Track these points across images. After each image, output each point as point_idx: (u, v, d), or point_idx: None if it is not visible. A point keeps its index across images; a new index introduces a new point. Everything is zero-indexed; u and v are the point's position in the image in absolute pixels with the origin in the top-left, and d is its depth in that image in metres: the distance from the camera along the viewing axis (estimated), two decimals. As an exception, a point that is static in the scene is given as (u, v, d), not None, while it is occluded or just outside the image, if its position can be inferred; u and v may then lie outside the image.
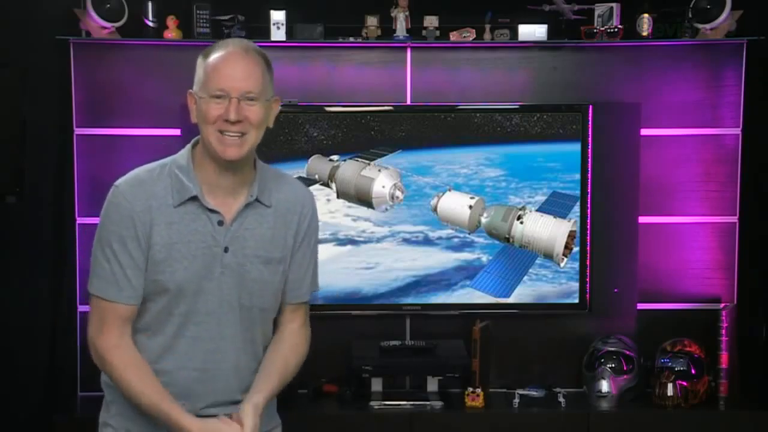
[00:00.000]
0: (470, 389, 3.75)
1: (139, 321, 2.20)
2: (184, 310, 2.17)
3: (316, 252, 2.37)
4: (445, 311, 3.93)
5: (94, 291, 2.18)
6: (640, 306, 3.98)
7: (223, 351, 2.21)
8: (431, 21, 3.86)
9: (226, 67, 2.11)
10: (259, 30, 3.82)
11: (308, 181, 3.79)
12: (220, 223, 2.17)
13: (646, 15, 3.84)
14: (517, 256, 3.85)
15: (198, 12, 3.75)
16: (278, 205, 2.24)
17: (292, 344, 2.32)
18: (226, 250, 2.17)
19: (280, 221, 2.24)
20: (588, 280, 3.88)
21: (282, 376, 2.27)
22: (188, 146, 2.23)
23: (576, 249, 3.85)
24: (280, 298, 2.30)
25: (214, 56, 2.13)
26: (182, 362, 2.18)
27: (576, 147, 3.85)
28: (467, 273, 3.90)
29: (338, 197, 3.83)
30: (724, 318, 3.83)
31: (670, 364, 3.77)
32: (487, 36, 3.87)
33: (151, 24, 3.80)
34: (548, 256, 3.81)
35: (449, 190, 3.84)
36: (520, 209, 3.82)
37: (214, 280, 2.17)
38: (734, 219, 3.99)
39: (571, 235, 3.81)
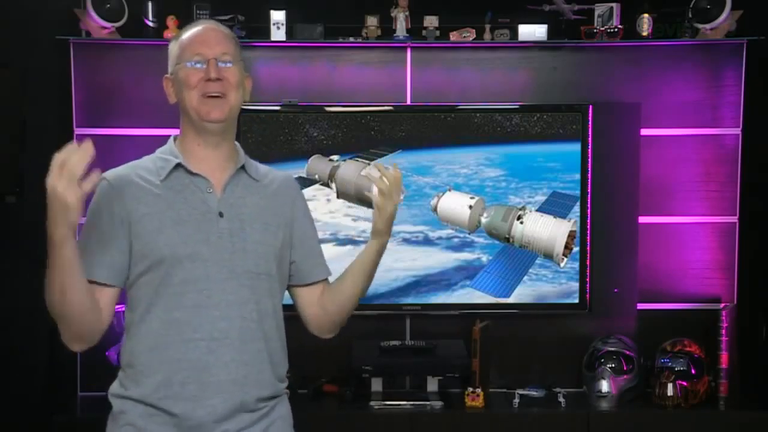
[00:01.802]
0: (470, 389, 3.75)
1: (139, 301, 2.15)
2: (181, 278, 2.12)
3: (317, 236, 2.37)
4: (445, 311, 3.93)
5: None
6: (640, 306, 3.98)
7: (228, 318, 2.14)
8: (431, 21, 3.86)
9: (200, 36, 2.20)
10: (259, 30, 3.82)
11: (308, 181, 3.79)
12: (209, 190, 2.18)
13: (646, 15, 3.85)
14: (517, 256, 3.85)
15: (198, 12, 3.75)
16: (266, 182, 2.27)
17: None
18: (220, 215, 2.16)
19: (271, 194, 2.25)
20: (588, 280, 3.88)
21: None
22: (170, 139, 2.27)
23: (576, 249, 3.85)
24: (285, 268, 2.26)
25: (186, 33, 2.23)
26: (187, 333, 2.11)
27: (576, 147, 3.85)
28: (467, 273, 3.89)
29: (338, 197, 3.83)
30: (724, 318, 3.83)
31: (670, 364, 3.78)
32: (487, 36, 3.88)
33: (151, 24, 3.80)
34: (548, 256, 3.81)
35: (449, 190, 3.84)
36: (520, 209, 3.82)
37: (211, 245, 2.14)
38: (734, 219, 3.99)
39: (571, 235, 3.81)
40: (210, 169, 2.20)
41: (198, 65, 2.17)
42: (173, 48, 2.23)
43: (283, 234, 2.24)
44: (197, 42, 2.19)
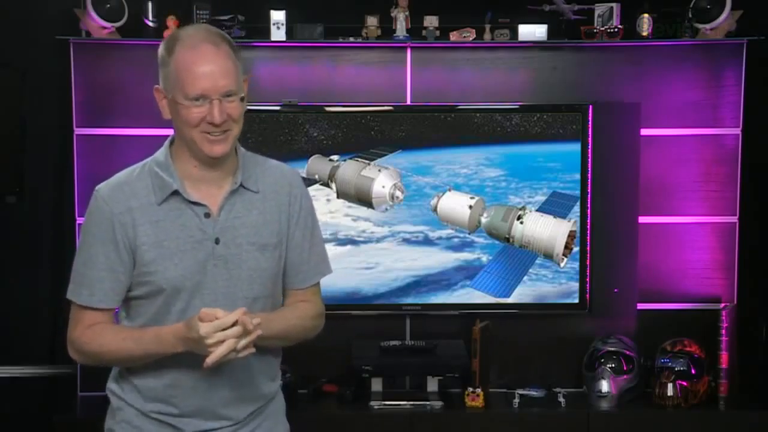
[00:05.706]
0: (470, 389, 3.75)
1: (137, 315, 2.17)
2: (180, 307, 2.13)
3: (318, 234, 2.30)
4: (445, 311, 3.93)
5: (68, 295, 2.17)
6: (640, 306, 3.98)
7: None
8: (431, 21, 3.86)
9: (200, 67, 2.04)
10: (259, 30, 3.82)
11: (308, 181, 3.79)
12: (207, 215, 2.13)
13: (646, 15, 3.84)
14: (517, 256, 3.85)
15: (198, 12, 3.75)
16: (266, 190, 2.20)
17: (291, 307, 2.27)
18: (217, 241, 2.13)
19: (270, 205, 2.20)
20: (588, 280, 3.89)
21: (280, 315, 2.21)
22: (166, 143, 2.20)
23: (576, 249, 3.85)
24: (281, 285, 2.26)
25: (183, 52, 2.06)
26: (186, 361, 2.12)
27: (576, 147, 3.85)
28: (467, 273, 3.90)
29: (338, 197, 3.83)
30: (724, 318, 3.83)
31: (670, 364, 3.77)
32: (487, 36, 3.88)
33: (151, 24, 3.80)
34: (548, 256, 3.81)
35: (449, 190, 3.84)
36: (520, 209, 3.82)
37: (207, 274, 2.13)
38: (734, 219, 3.99)
39: (571, 235, 3.81)
40: (207, 188, 2.15)
41: (200, 103, 2.05)
42: (166, 65, 2.08)
43: (279, 252, 2.21)
44: (200, 77, 2.03)
